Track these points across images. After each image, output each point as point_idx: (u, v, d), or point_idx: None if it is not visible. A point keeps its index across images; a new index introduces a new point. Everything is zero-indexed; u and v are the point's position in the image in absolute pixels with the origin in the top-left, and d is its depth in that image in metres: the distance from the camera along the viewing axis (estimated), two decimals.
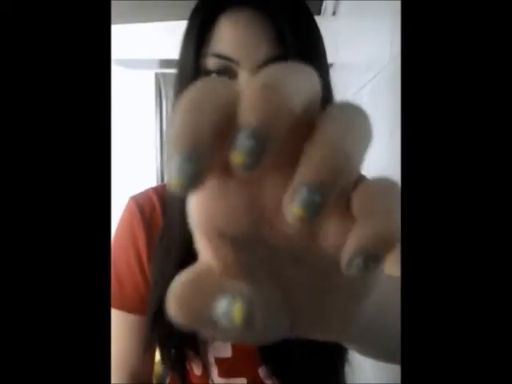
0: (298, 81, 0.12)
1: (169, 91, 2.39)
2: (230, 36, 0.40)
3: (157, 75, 2.38)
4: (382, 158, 0.59)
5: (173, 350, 0.46)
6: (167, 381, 0.53)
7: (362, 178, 0.14)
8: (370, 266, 0.12)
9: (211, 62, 0.40)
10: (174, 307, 0.13)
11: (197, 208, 0.14)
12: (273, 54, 0.39)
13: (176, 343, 0.46)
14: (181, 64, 0.43)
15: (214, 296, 0.13)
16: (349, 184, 0.13)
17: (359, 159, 0.12)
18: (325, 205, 0.12)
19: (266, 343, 0.16)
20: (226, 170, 0.13)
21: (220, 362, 0.47)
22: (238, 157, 0.11)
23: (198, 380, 0.48)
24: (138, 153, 2.30)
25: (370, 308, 0.17)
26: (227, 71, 0.40)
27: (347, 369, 0.49)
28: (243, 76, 0.39)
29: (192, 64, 0.40)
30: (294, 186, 0.12)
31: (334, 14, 1.30)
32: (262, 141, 0.11)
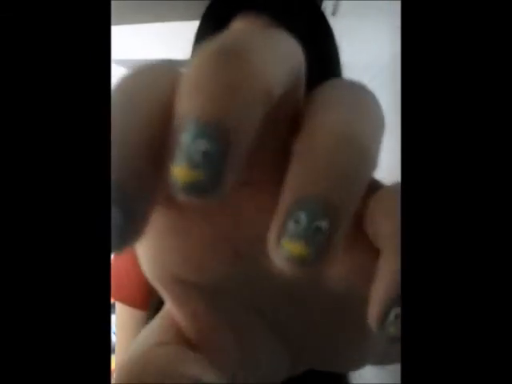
0: (273, 44, 0.08)
1: None
2: None
3: None
4: (381, 158, 0.59)
5: None
6: None
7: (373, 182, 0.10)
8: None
9: None
10: None
11: (143, 254, 0.10)
12: None
13: None
14: None
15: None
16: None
17: (376, 153, 0.09)
18: (337, 235, 0.08)
19: None
20: (175, 198, 0.08)
21: None
22: (180, 172, 0.07)
23: None
24: None
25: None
26: None
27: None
28: None
29: None
30: (283, 209, 0.08)
31: (333, 14, 1.30)
32: (220, 141, 0.06)
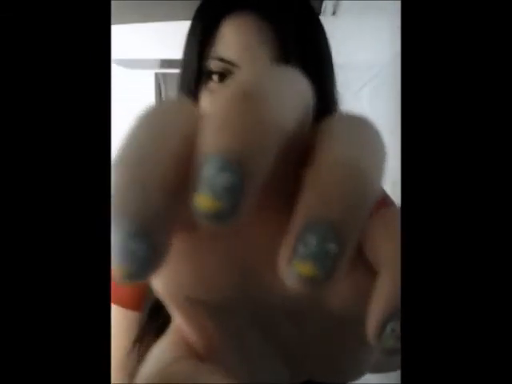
0: (286, 86, 0.09)
1: (169, 91, 2.38)
2: (233, 40, 0.40)
3: (157, 75, 2.38)
4: None
5: None
6: None
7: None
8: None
9: (213, 65, 0.40)
10: None
11: (158, 275, 0.11)
12: (275, 59, 0.39)
13: None
14: (184, 64, 0.43)
15: None
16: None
17: (378, 182, 0.09)
18: (344, 257, 0.08)
19: None
20: (191, 221, 0.09)
21: None
22: (203, 202, 0.08)
23: None
24: None
25: None
26: (229, 74, 0.40)
27: None
28: None
29: (195, 65, 0.41)
30: (294, 232, 0.08)
31: (333, 13, 1.30)
32: (241, 175, 0.07)
